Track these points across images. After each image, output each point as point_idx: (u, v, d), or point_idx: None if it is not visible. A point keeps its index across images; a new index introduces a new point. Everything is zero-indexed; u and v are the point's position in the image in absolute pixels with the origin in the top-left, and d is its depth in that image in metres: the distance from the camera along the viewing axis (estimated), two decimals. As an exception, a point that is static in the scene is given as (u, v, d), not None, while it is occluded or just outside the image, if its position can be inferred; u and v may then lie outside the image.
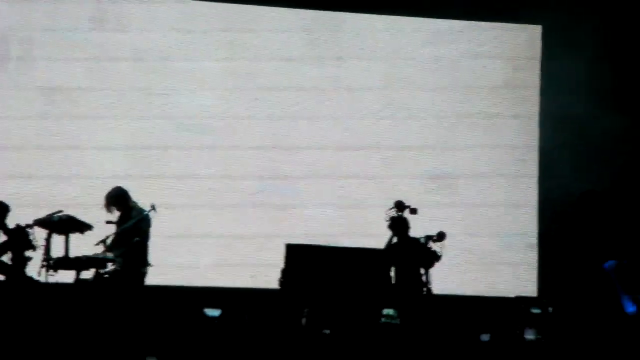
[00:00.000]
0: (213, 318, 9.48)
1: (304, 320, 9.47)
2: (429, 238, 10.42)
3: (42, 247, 9.62)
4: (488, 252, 12.05)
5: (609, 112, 12.07)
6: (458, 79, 12.38)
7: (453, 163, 12.30)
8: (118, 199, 10.06)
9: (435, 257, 10.39)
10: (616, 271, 9.83)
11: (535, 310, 10.37)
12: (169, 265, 11.26)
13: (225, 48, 12.21)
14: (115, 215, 10.06)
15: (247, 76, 12.19)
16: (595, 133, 12.11)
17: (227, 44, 12.22)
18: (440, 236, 10.41)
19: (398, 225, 10.59)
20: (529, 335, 10.04)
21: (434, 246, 10.40)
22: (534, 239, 12.30)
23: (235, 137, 12.13)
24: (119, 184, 10.22)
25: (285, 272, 9.80)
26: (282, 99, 12.22)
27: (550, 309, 10.36)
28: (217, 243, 11.89)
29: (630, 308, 9.70)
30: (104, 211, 10.01)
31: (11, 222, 9.91)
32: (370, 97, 12.30)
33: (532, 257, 12.25)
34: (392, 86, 12.34)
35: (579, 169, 12.00)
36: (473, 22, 12.42)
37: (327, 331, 9.48)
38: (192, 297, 10.94)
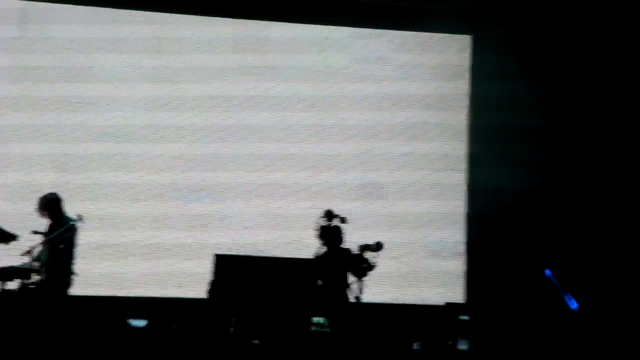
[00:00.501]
0: (138, 329, 9.38)
1: (232, 330, 9.39)
2: (366, 247, 10.39)
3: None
4: (417, 260, 12.08)
5: (538, 121, 12.17)
6: (385, 88, 12.40)
7: (381, 173, 12.32)
8: (51, 203, 10.05)
9: (369, 266, 10.37)
10: (555, 276, 9.96)
11: (464, 317, 10.41)
12: (94, 275, 11.17)
13: (152, 57, 12.11)
14: (44, 224, 9.95)
15: (172, 85, 12.10)
16: (524, 141, 12.19)
17: (153, 53, 12.12)
18: (378, 246, 10.39)
19: (328, 234, 10.57)
20: (462, 346, 10.07)
21: (369, 256, 10.38)
22: (461, 246, 12.38)
23: (160, 146, 12.01)
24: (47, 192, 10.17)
25: (213, 283, 9.70)
26: (208, 109, 12.14)
27: (478, 316, 10.41)
28: (143, 253, 11.77)
29: (574, 304, 9.83)
30: (36, 215, 10.00)
31: None
32: (298, 107, 12.26)
33: (460, 264, 12.33)
34: (320, 96, 12.33)
35: (506, 178, 12.05)
36: (401, 32, 12.47)
37: (256, 341, 9.40)
38: (118, 308, 10.82)
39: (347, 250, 10.47)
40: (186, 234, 11.87)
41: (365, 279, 10.37)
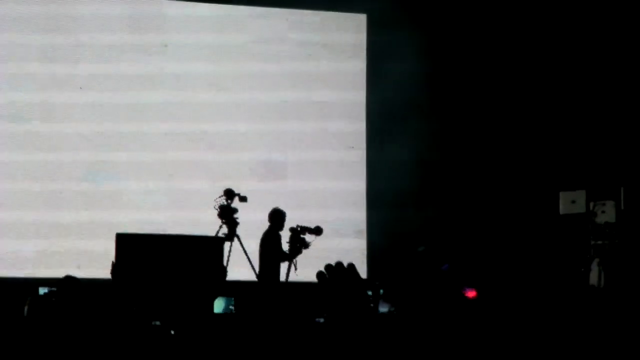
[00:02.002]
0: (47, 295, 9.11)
1: (134, 311, 9.17)
2: (305, 229, 10.42)
3: None
4: (318, 238, 12.00)
5: (434, 100, 12.29)
6: (286, 67, 12.35)
7: (282, 151, 12.26)
8: None
9: (303, 244, 10.46)
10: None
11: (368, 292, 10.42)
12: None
13: (48, 35, 11.82)
14: None
15: (70, 63, 11.81)
16: (421, 118, 12.28)
17: (49, 32, 11.83)
18: (318, 230, 10.44)
19: (227, 213, 10.48)
20: (383, 308, 10.12)
21: (307, 237, 10.44)
22: (363, 225, 12.39)
23: (58, 126, 11.75)
24: None
25: (116, 262, 9.45)
26: (106, 87, 11.90)
27: (382, 291, 10.44)
28: (40, 233, 11.50)
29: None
30: None
31: None
32: (197, 85, 12.12)
33: (362, 242, 12.34)
34: (219, 75, 12.21)
35: (404, 158, 12.14)
36: (299, 11, 12.41)
37: (157, 322, 9.21)
38: (15, 289, 10.49)
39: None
40: (84, 213, 11.64)
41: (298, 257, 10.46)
